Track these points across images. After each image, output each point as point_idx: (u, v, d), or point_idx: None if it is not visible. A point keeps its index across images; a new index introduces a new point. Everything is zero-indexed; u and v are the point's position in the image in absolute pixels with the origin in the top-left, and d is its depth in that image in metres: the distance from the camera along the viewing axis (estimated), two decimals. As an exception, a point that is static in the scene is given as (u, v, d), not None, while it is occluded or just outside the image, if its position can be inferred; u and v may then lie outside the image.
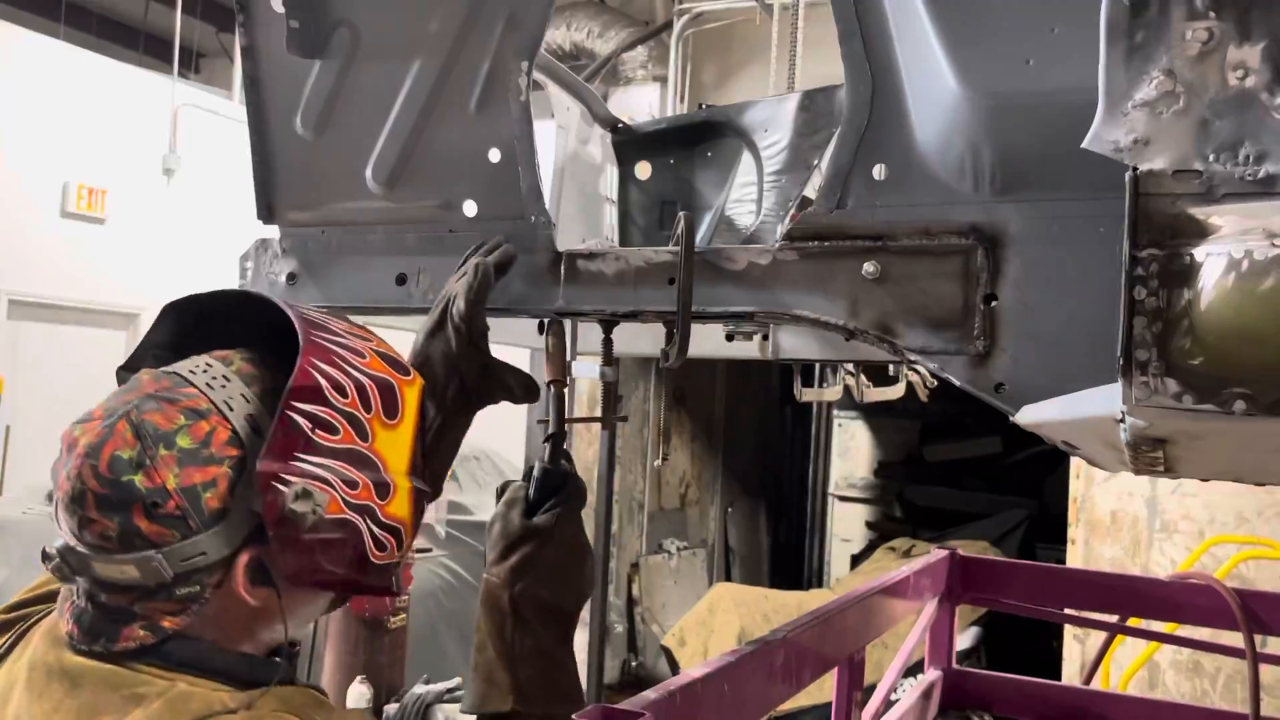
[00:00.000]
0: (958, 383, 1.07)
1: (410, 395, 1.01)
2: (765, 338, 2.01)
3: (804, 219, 1.15)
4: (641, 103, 5.73)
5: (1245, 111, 0.74)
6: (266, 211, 1.44)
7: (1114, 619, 2.05)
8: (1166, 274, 0.74)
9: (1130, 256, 0.74)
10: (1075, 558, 3.84)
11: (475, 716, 1.08)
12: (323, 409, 0.91)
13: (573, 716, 0.82)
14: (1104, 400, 0.85)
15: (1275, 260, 0.68)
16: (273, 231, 1.45)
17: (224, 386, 0.92)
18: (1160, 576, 2.06)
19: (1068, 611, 2.20)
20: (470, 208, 1.31)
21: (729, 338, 1.99)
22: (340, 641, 2.85)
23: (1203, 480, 0.98)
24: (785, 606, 4.50)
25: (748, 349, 2.00)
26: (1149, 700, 2.59)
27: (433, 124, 1.32)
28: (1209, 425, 0.79)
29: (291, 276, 1.43)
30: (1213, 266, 0.72)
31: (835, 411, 8.07)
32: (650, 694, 0.91)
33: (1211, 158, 0.74)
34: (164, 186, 7.85)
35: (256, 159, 1.42)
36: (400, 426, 0.98)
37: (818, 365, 2.35)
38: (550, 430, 1.19)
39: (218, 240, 5.02)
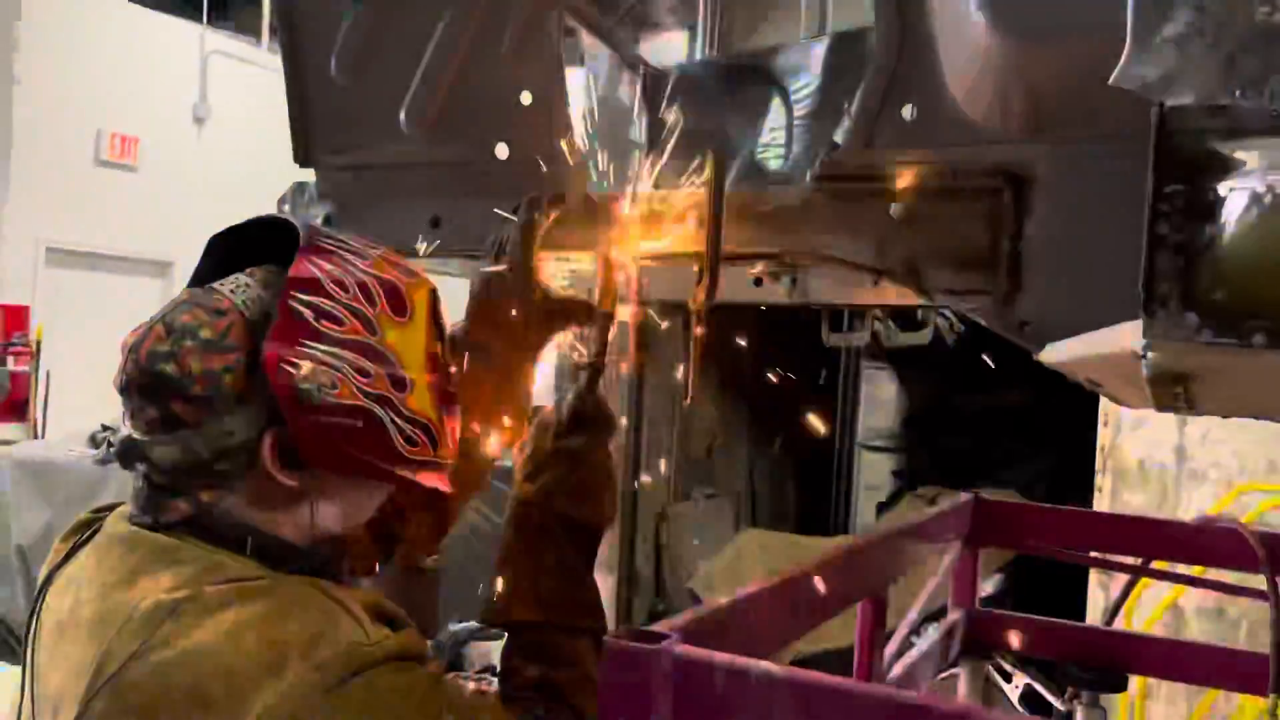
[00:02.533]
0: (984, 322, 1.09)
1: (419, 296, 1.06)
2: (793, 282, 2.02)
3: (832, 160, 1.16)
4: (671, 49, 5.69)
5: (1272, 46, 0.74)
6: (303, 155, 1.46)
7: (1137, 563, 2.07)
8: (1190, 209, 0.75)
9: (1154, 192, 0.75)
10: (1102, 506, 3.85)
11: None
12: (324, 300, 0.99)
13: (604, 637, 0.86)
14: (1125, 336, 0.87)
15: (1294, 195, 0.69)
16: (309, 175, 1.48)
17: (245, 290, 1.01)
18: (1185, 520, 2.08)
19: (1092, 555, 2.22)
20: (503, 150, 1.34)
21: (756, 282, 2.00)
22: (377, 583, 2.92)
23: (1224, 417, 1.00)
24: (812, 552, 4.54)
25: (774, 294, 2.01)
26: (1169, 640, 2.61)
27: (466, 67, 1.33)
28: (1230, 360, 0.80)
29: (327, 219, 1.47)
30: (1236, 202, 0.73)
31: (864, 362, 8.05)
32: (678, 619, 0.95)
33: (1238, 93, 0.75)
34: (195, 135, 7.91)
35: (292, 103, 1.44)
36: (412, 325, 1.04)
37: (846, 311, 2.36)
38: (589, 360, 1.22)
39: (248, 187, 5.07)
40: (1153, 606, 3.47)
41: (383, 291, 1.03)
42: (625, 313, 1.27)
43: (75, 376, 6.54)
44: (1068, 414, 6.28)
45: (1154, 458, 3.80)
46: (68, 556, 1.07)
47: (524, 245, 1.23)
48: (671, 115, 2.27)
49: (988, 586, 5.14)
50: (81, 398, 5.85)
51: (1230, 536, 1.92)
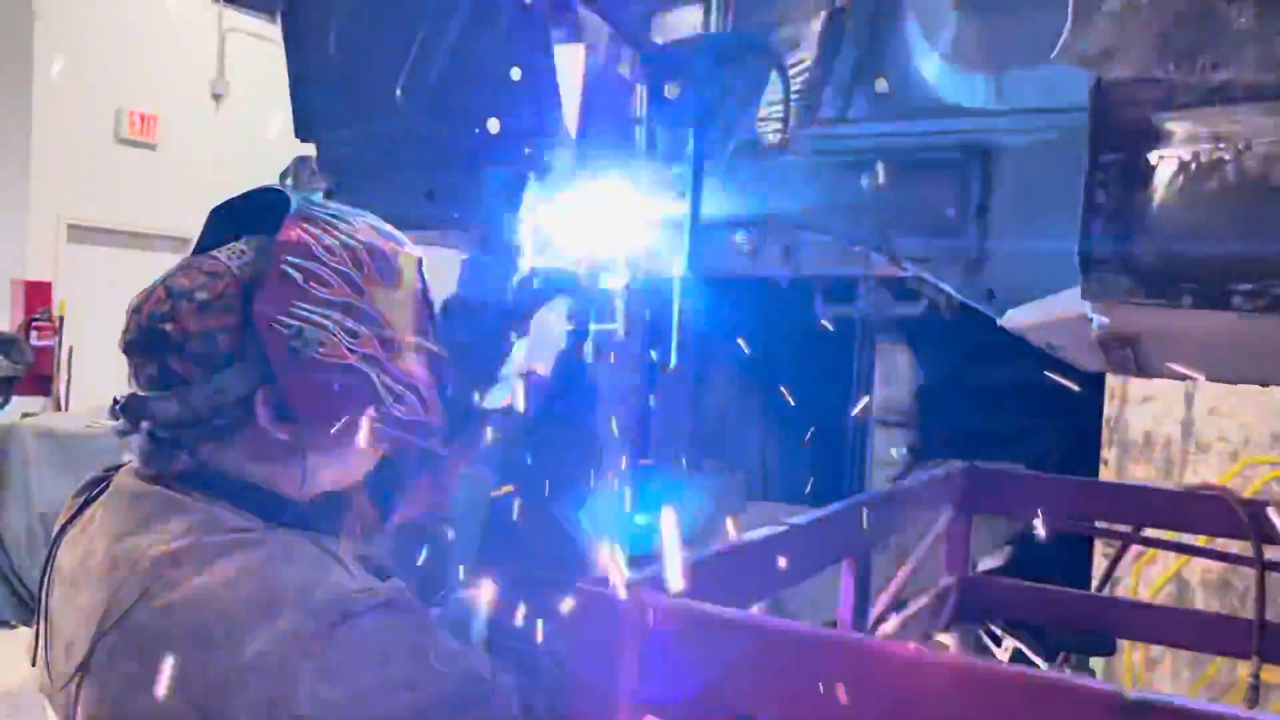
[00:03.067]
0: (950, 289, 1.13)
1: (406, 262, 1.12)
2: (786, 254, 2.06)
3: (810, 132, 1.21)
4: (685, 23, 5.70)
5: (1204, 22, 0.77)
6: (304, 130, 1.51)
7: (1128, 530, 2.11)
8: (1125, 178, 0.79)
9: (1092, 161, 0.79)
10: (1107, 478, 3.87)
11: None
12: (312, 264, 1.04)
13: (577, 583, 0.91)
14: (1075, 301, 0.91)
15: (1219, 163, 0.73)
16: (310, 149, 1.53)
17: (240, 256, 1.06)
18: (1172, 487, 2.12)
19: (1081, 522, 2.26)
20: (494, 124, 1.38)
21: (751, 255, 2.04)
22: (387, 545, 3.00)
23: (1174, 379, 1.04)
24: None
25: (768, 266, 2.05)
26: (1155, 606, 2.65)
27: (456, 44, 1.38)
28: (1168, 321, 0.84)
29: (328, 192, 1.52)
30: (1165, 170, 0.77)
31: (878, 336, 8.07)
32: (649, 570, 1.00)
33: (1171, 67, 0.79)
34: (212, 111, 7.97)
35: (293, 79, 1.49)
36: (399, 290, 1.10)
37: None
38: (573, 328, 1.27)
39: (266, 163, 5.13)
40: (1157, 578, 3.51)
41: (370, 257, 1.08)
42: (610, 282, 1.32)
43: (97, 351, 6.64)
44: (1081, 388, 6.28)
45: (1160, 431, 3.83)
46: (79, 511, 1.13)
47: (513, 218, 1.28)
48: (669, 90, 2.32)
49: (996, 559, 5.19)
50: (103, 372, 5.95)
51: (1216, 503, 1.96)
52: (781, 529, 1.26)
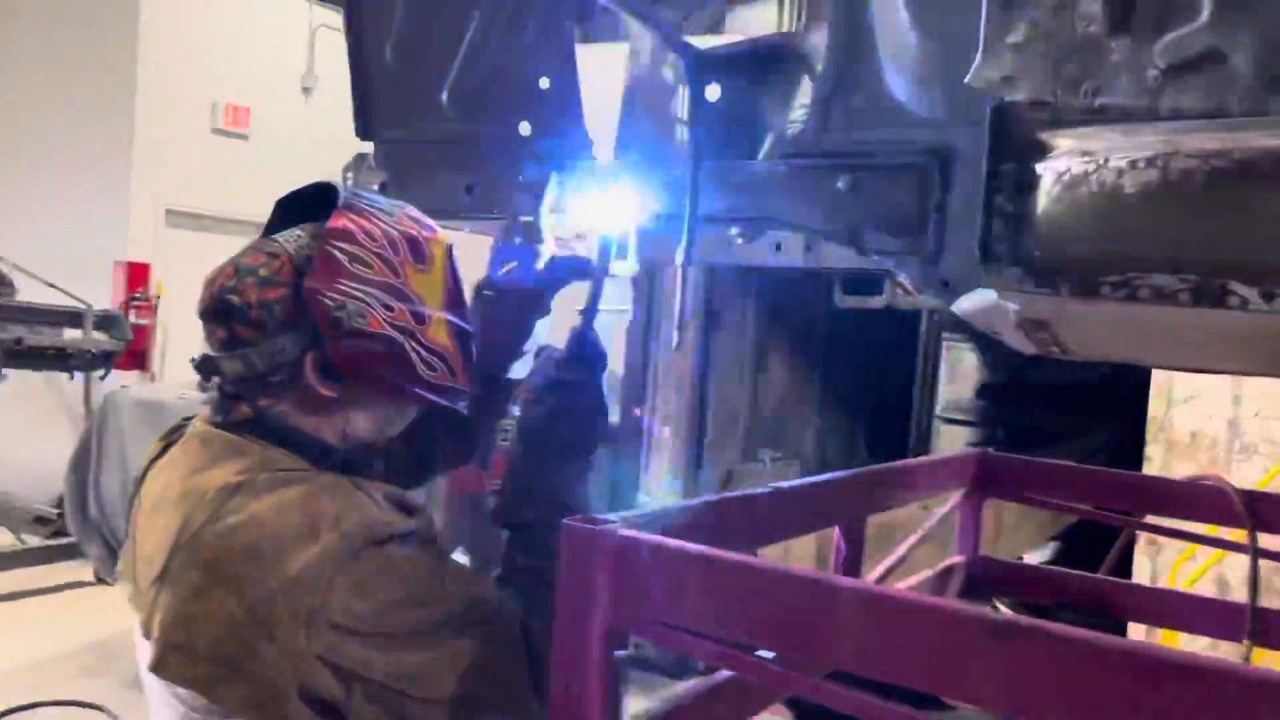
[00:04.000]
0: (908, 280, 1.27)
1: (437, 247, 1.30)
2: (808, 248, 2.20)
3: (793, 139, 1.36)
4: (759, 20, 5.81)
5: (1089, 54, 0.91)
6: (363, 129, 1.71)
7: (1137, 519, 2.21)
8: (1018, 185, 0.94)
9: (989, 171, 0.94)
10: (1151, 477, 3.91)
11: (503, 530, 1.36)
12: (356, 248, 1.23)
13: (564, 521, 1.08)
14: (996, 290, 1.05)
15: (1086, 174, 0.87)
16: (368, 147, 1.73)
17: (298, 240, 1.26)
18: (1174, 478, 2.20)
19: (1087, 508, 2.35)
20: (525, 127, 1.56)
21: (777, 248, 2.19)
22: (445, 515, 3.22)
23: (1094, 360, 1.17)
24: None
25: (792, 258, 2.20)
26: (1159, 589, 2.72)
27: (496, 55, 1.56)
28: (1065, 308, 0.98)
29: (383, 186, 1.71)
30: (1048, 179, 0.91)
31: (945, 333, 8.07)
32: (635, 513, 1.16)
33: (1059, 92, 0.93)
34: (302, 104, 8.33)
35: (355, 84, 1.69)
36: (431, 271, 1.28)
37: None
38: (585, 307, 1.44)
39: (348, 154, 5.41)
40: (1191, 573, 3.55)
41: (406, 243, 1.27)
42: (621, 268, 1.48)
43: (190, 329, 7.04)
44: (1129, 388, 6.28)
45: (1205, 431, 3.85)
46: (161, 452, 1.35)
47: (536, 211, 1.46)
48: (710, 92, 2.47)
49: (1041, 554, 5.23)
50: (194, 348, 6.32)
51: (1216, 494, 2.05)
52: (777, 487, 1.41)
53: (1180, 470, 3.87)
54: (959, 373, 8.52)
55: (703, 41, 2.55)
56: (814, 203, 1.33)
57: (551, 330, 1.55)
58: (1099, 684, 0.82)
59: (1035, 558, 4.71)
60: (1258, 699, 0.74)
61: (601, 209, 1.46)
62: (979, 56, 0.97)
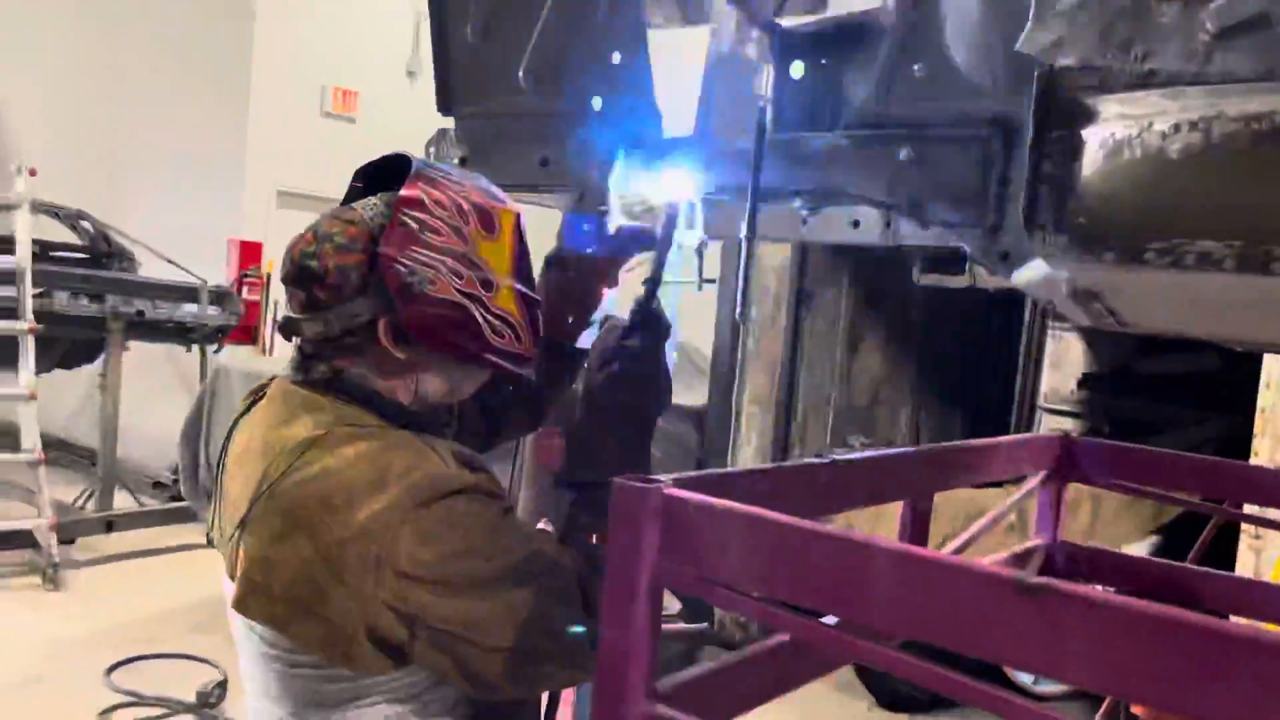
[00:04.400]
0: (969, 251, 1.27)
1: (505, 217, 1.34)
2: (887, 224, 2.19)
3: (856, 111, 1.36)
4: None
5: (1139, 17, 0.91)
6: (444, 105, 1.77)
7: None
8: (1064, 151, 0.93)
9: (1035, 137, 0.94)
10: (1258, 470, 3.76)
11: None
12: (427, 216, 1.28)
13: (615, 479, 1.11)
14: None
15: (1130, 139, 0.87)
16: (449, 122, 1.79)
17: (374, 209, 1.32)
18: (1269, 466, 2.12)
19: (1175, 495, 2.28)
20: (597, 102, 1.60)
21: (854, 224, 2.19)
22: (530, 489, 3.30)
23: (1151, 333, 1.15)
24: (955, 501, 4.63)
25: (870, 235, 2.19)
26: (1246, 579, 2.60)
27: (569, 32, 1.60)
28: (1117, 277, 0.98)
29: (463, 160, 1.77)
30: (1093, 144, 0.91)
31: (1050, 322, 7.87)
32: (688, 476, 1.19)
33: (1110, 56, 0.92)
34: (408, 88, 8.53)
35: (437, 63, 1.75)
36: (499, 240, 1.33)
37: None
38: (649, 277, 1.48)
39: (448, 138, 5.54)
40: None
41: (475, 212, 1.32)
42: (688, 239, 1.51)
43: (298, 306, 7.33)
44: (1238, 379, 6.03)
45: (1317, 424, 3.68)
46: (248, 409, 1.43)
47: (605, 183, 1.50)
48: (794, 69, 2.47)
49: (1141, 548, 5.07)
50: (302, 325, 6.57)
51: (1310, 481, 1.97)
52: (837, 458, 1.42)
53: (1288, 464, 3.71)
54: (1064, 362, 8.29)
55: (792, 20, 2.55)
56: (877, 174, 1.34)
57: (619, 301, 1.59)
58: (1125, 645, 0.82)
59: (1137, 551, 4.57)
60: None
61: (668, 182, 1.49)
62: (1030, 22, 0.96)
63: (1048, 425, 8.19)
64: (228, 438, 1.43)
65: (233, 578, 1.28)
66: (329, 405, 1.30)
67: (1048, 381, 8.17)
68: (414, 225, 1.28)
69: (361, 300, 1.28)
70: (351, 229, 1.30)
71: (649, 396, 1.42)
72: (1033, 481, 2.19)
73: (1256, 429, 3.87)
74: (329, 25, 8.06)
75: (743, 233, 1.45)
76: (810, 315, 5.49)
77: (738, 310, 5.02)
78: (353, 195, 1.39)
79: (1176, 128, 0.84)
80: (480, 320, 1.32)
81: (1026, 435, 2.15)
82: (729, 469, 1.28)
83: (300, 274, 1.30)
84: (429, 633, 1.21)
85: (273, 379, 1.44)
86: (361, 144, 8.46)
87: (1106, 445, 2.35)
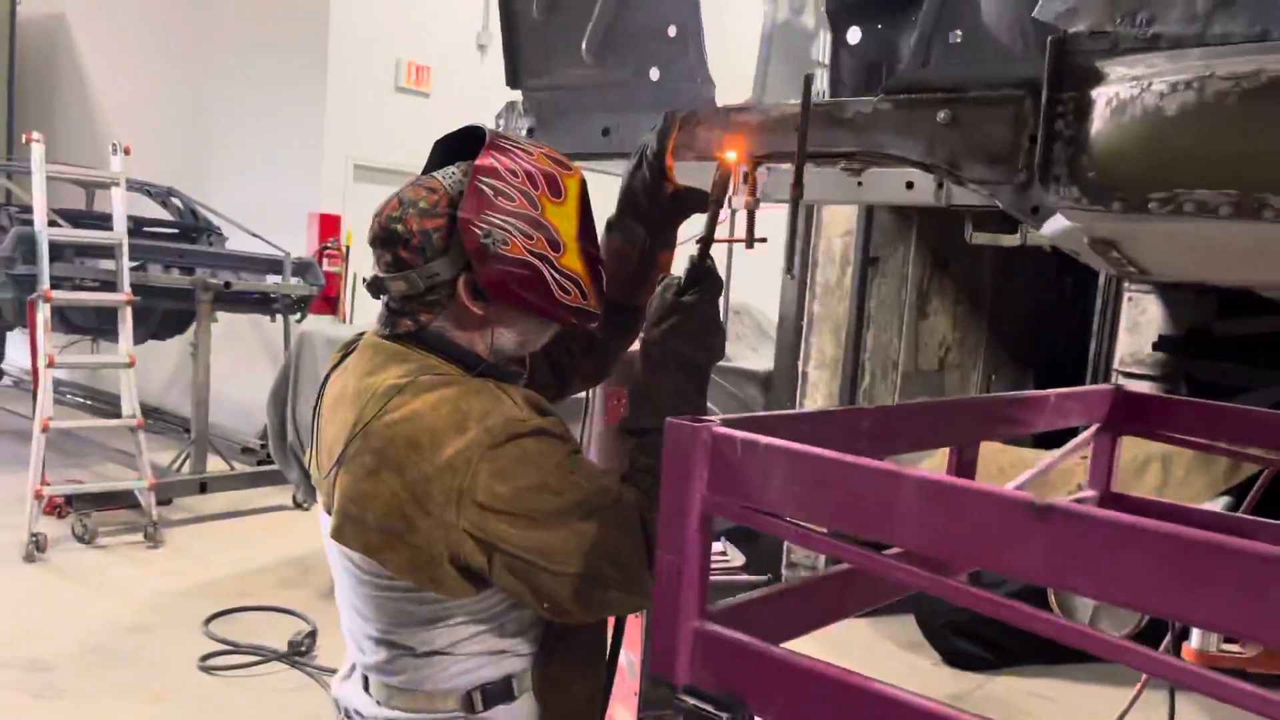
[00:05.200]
0: (1002, 205, 1.35)
1: (571, 183, 1.45)
2: (940, 185, 2.26)
3: (897, 76, 1.45)
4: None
5: (1146, -16, 0.98)
6: (512, 79, 1.89)
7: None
8: (1076, 111, 1.02)
9: (1049, 98, 1.02)
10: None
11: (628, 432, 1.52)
12: (500, 183, 1.39)
13: (669, 419, 1.22)
14: (1069, 211, 1.13)
15: (1132, 98, 0.95)
16: (516, 95, 1.90)
17: (452, 176, 1.44)
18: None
19: (1227, 446, 2.31)
20: (655, 74, 1.70)
21: (908, 185, 2.26)
22: (599, 445, 3.44)
23: (1168, 281, 1.22)
24: (1022, 461, 4.65)
25: (925, 196, 2.26)
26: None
27: (628, 7, 1.70)
28: (1128, 227, 1.06)
29: (530, 130, 1.89)
30: (1100, 103, 0.99)
31: (1126, 284, 7.76)
32: (736, 416, 1.30)
33: (1119, 20, 1.00)
34: (478, 62, 8.69)
35: (505, 39, 1.87)
36: (566, 204, 1.43)
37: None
38: (702, 236, 1.58)
39: (518, 110, 5.68)
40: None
41: (544, 178, 1.43)
42: (740, 202, 1.61)
43: (376, 277, 7.58)
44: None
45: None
46: (340, 361, 1.58)
47: (661, 150, 1.60)
48: (851, 35, 2.54)
49: (1215, 506, 5.03)
50: (380, 295, 6.80)
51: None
52: (884, 405, 1.50)
53: (1361, 422, 3.67)
54: (1141, 324, 8.16)
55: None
56: (917, 136, 1.42)
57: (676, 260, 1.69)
58: (1127, 560, 0.91)
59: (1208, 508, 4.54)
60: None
61: (720, 147, 1.59)
62: (1045, -8, 1.04)
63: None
64: (323, 385, 1.58)
65: (329, 511, 1.43)
66: (414, 355, 1.44)
67: (1124, 344, 8.06)
68: (489, 191, 1.39)
69: (442, 260, 1.41)
70: (432, 195, 1.42)
71: (703, 347, 1.52)
72: (1086, 435, 2.25)
73: (1329, 388, 3.82)
74: (401, 1, 8.24)
75: (789, 194, 1.54)
76: (877, 278, 5.52)
77: (790, 268, 5.11)
78: (432, 165, 1.52)
79: (1174, 87, 0.91)
80: (549, 278, 1.43)
81: (1078, 388, 2.20)
82: (771, 412, 1.38)
83: (387, 236, 1.42)
84: (505, 559, 1.34)
85: (362, 334, 1.58)
86: (434, 117, 8.70)
87: (1158, 398, 2.39)
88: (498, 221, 1.39)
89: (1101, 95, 0.98)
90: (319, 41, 8.00)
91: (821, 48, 2.71)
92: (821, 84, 2.59)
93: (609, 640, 1.65)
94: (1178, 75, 0.91)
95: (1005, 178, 1.35)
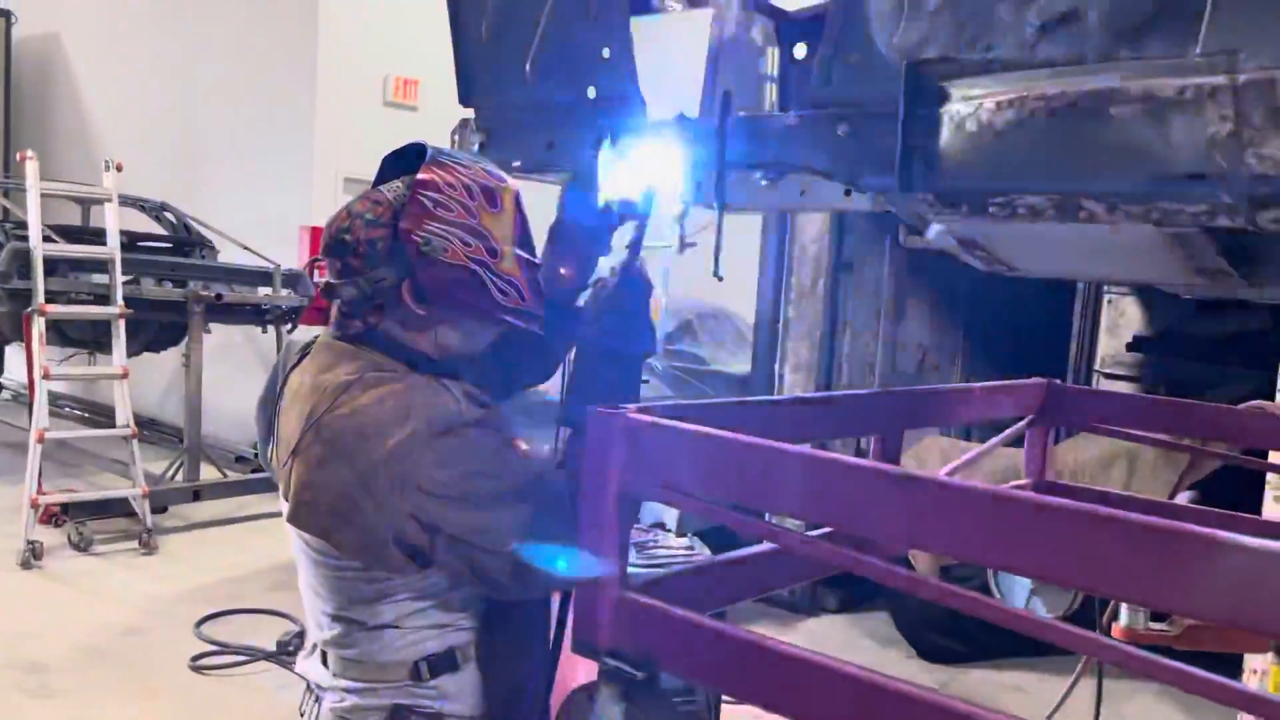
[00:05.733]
0: (895, 211, 1.48)
1: (506, 194, 1.57)
2: (846, 193, 2.40)
3: (804, 94, 1.58)
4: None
5: (983, 16, 1.12)
6: (464, 97, 2.02)
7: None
8: (928, 127, 1.15)
9: (906, 115, 1.16)
10: None
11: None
12: (440, 194, 1.51)
13: (590, 408, 1.35)
14: (939, 215, 1.26)
15: (968, 115, 1.08)
16: (468, 112, 2.04)
17: (395, 190, 1.56)
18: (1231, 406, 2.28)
19: (1147, 434, 2.44)
20: (592, 92, 1.83)
21: (846, 193, 2.39)
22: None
23: (1035, 277, 1.35)
24: (989, 457, 4.77)
25: (861, 204, 2.39)
26: (1229, 514, 2.73)
27: (566, 32, 1.84)
28: (984, 228, 1.19)
29: (481, 145, 2.03)
30: (945, 120, 1.12)
31: (1106, 286, 7.87)
32: (653, 404, 1.42)
33: (962, 48, 1.13)
34: (465, 75, 8.84)
35: (456, 61, 2.00)
36: (503, 214, 1.56)
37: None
38: (630, 242, 1.70)
39: (501, 122, 5.82)
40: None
41: (481, 190, 1.56)
42: (667, 208, 1.74)
43: (366, 288, 7.71)
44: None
45: (1337, 376, 3.76)
46: (299, 360, 1.70)
47: (594, 162, 1.73)
48: (797, 51, 2.68)
49: (1180, 500, 5.15)
50: (369, 305, 6.93)
51: (1265, 419, 2.12)
52: (803, 395, 1.63)
53: (1310, 415, 3.79)
54: (1120, 326, 8.28)
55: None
56: (820, 147, 1.55)
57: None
58: (973, 521, 1.04)
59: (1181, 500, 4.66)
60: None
61: (648, 160, 1.72)
62: (903, 23, 1.18)
63: (1102, 388, 8.20)
64: (283, 382, 1.71)
65: (286, 498, 1.56)
66: (363, 354, 1.56)
67: (1105, 346, 8.19)
68: (429, 203, 1.52)
69: (387, 267, 1.54)
70: (378, 208, 1.55)
71: (633, 342, 1.65)
72: (1018, 427, 2.38)
73: (1279, 383, 3.96)
74: (389, 14, 8.39)
75: (710, 202, 1.68)
76: (851, 283, 5.65)
77: (716, 271, 5.21)
78: (381, 179, 1.65)
79: (999, 105, 1.05)
80: (487, 281, 1.56)
81: (1008, 382, 2.32)
82: (686, 401, 1.51)
83: (336, 245, 1.55)
84: (446, 539, 1.47)
85: (317, 336, 1.71)
86: (423, 130, 8.75)
87: (1084, 391, 2.52)
88: (437, 230, 1.52)
89: (949, 112, 1.11)
90: (308, 58, 8.15)
91: (770, 62, 2.85)
92: (772, 96, 2.74)
93: (553, 616, 1.77)
94: (1003, 95, 1.04)
95: (894, 186, 1.49)
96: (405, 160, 1.64)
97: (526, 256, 1.62)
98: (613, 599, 1.34)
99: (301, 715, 1.71)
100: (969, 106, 1.07)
